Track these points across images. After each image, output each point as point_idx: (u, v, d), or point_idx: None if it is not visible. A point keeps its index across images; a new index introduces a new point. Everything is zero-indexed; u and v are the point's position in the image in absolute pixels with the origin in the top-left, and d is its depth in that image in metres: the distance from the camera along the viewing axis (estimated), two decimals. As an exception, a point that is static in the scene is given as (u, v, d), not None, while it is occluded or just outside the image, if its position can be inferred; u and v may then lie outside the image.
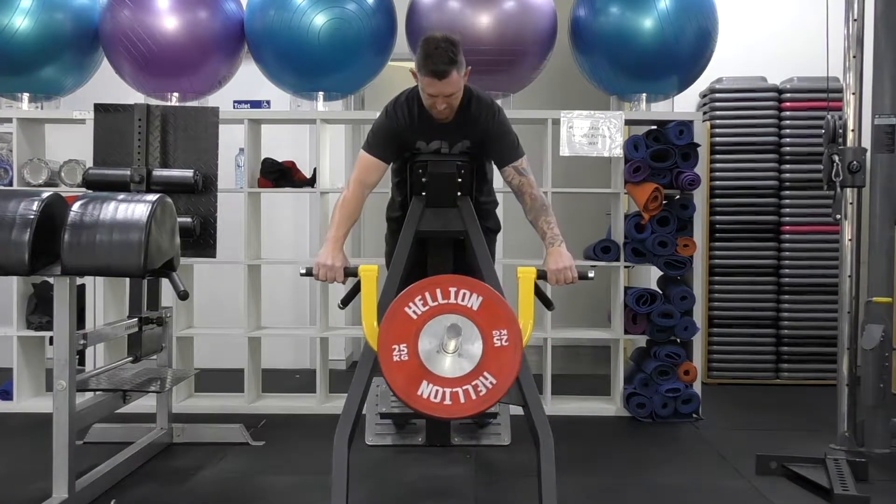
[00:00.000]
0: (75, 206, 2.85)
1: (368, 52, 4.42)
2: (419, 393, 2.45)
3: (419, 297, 2.50)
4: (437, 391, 2.46)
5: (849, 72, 3.75)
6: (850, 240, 3.79)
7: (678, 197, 4.49)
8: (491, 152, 3.15)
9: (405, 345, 2.47)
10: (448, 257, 3.14)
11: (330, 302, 4.81)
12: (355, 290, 3.00)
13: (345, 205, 3.05)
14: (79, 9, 4.46)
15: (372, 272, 2.69)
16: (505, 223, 3.75)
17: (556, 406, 4.46)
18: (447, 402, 2.45)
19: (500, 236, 3.69)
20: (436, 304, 2.50)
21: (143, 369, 3.72)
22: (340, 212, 3.04)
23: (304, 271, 2.95)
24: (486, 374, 2.47)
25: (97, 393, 3.43)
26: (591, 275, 2.92)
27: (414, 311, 2.49)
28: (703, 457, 3.76)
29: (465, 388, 2.46)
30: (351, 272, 2.90)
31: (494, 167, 3.38)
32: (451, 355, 2.46)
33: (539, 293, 2.88)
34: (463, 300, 2.51)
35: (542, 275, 2.85)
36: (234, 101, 4.96)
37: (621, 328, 4.49)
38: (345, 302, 3.08)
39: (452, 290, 2.50)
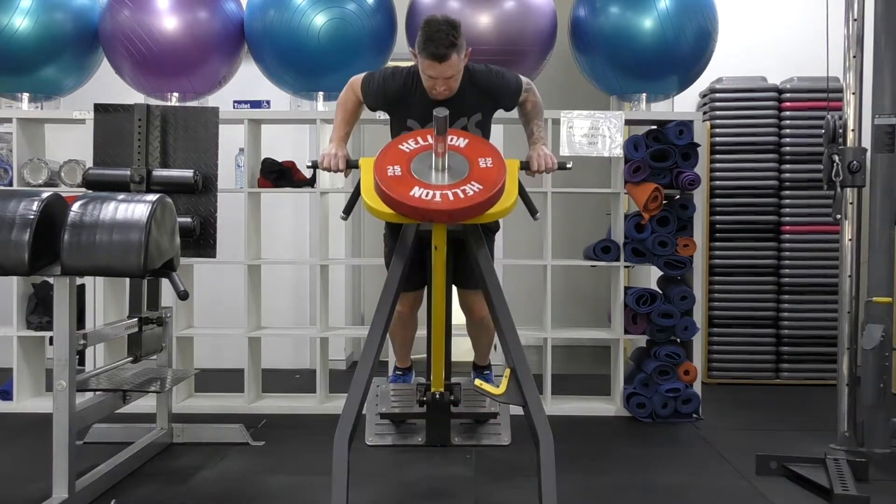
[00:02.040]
0: (75, 206, 2.84)
1: (368, 52, 4.42)
2: (412, 193, 2.68)
3: (412, 139, 2.89)
4: (428, 192, 2.70)
5: (849, 72, 3.75)
6: (850, 240, 3.79)
7: (678, 197, 4.49)
8: (502, 102, 3.34)
9: (399, 166, 2.78)
10: (447, 257, 3.14)
11: (330, 302, 4.82)
12: (355, 197, 3.10)
13: (344, 108, 3.30)
14: (79, 9, 4.46)
15: (372, 162, 2.88)
16: (504, 223, 3.75)
17: (556, 406, 4.46)
18: (437, 199, 2.68)
19: (499, 236, 3.70)
20: (427, 143, 2.84)
21: (143, 369, 3.72)
22: (342, 112, 3.29)
23: (309, 163, 3.22)
24: (472, 182, 2.75)
25: (97, 393, 3.43)
26: (569, 165, 3.19)
27: (406, 147, 2.85)
28: (703, 457, 3.76)
29: (453, 190, 2.72)
30: (353, 164, 3.10)
31: None
32: (439, 172, 2.75)
33: (523, 193, 3.01)
34: (451, 141, 2.85)
35: (524, 165, 3.12)
36: (234, 101, 4.95)
37: (621, 328, 4.49)
38: (346, 211, 3.17)
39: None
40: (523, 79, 3.36)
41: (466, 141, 2.90)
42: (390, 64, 4.64)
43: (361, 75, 3.33)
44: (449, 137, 2.78)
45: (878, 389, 3.64)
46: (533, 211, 3.19)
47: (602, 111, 4.36)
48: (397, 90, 3.19)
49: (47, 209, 2.81)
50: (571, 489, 3.18)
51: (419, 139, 2.88)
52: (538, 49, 4.44)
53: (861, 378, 3.71)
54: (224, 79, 4.61)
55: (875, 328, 3.62)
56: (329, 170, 3.11)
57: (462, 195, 2.70)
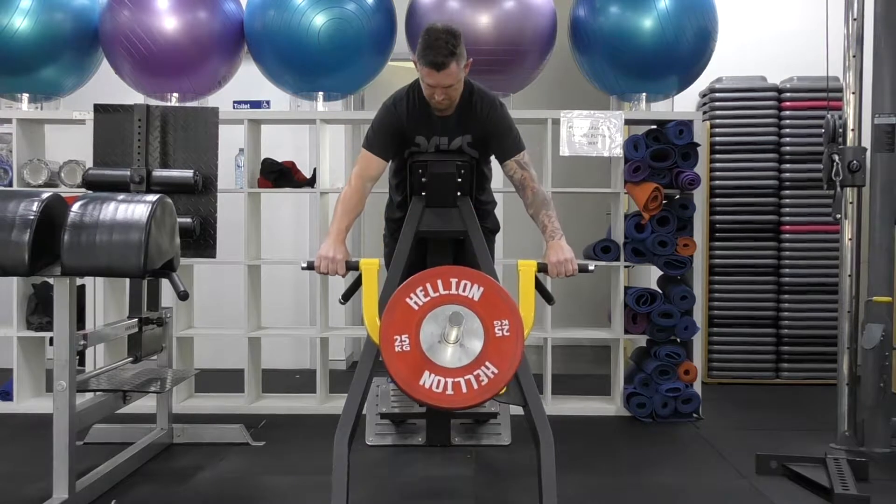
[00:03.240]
0: (75, 207, 2.85)
1: (368, 52, 4.42)
2: (421, 383, 2.47)
3: (420, 288, 2.53)
4: (438, 381, 2.47)
5: (848, 71, 3.75)
6: (850, 239, 3.79)
7: (678, 196, 4.49)
8: (492, 146, 3.16)
9: (407, 335, 2.49)
10: (448, 257, 3.14)
11: (330, 302, 4.82)
12: (356, 285, 3.01)
13: (346, 199, 3.05)
14: (78, 9, 4.46)
15: (373, 266, 2.73)
16: (504, 223, 3.75)
17: (557, 406, 4.46)
18: (449, 391, 2.47)
19: (499, 236, 3.69)
20: (437, 294, 2.53)
21: (144, 370, 3.72)
22: (342, 206, 3.04)
23: (305, 265, 2.96)
24: (487, 363, 2.48)
25: (97, 393, 3.43)
26: (591, 268, 2.94)
27: (415, 302, 2.51)
28: (704, 456, 3.76)
29: (466, 377, 2.47)
30: (352, 266, 2.91)
31: (494, 168, 3.38)
32: (452, 346, 2.47)
33: (539, 287, 2.90)
34: (464, 291, 2.53)
35: (542, 268, 2.87)
36: (234, 102, 4.96)
37: (621, 328, 4.49)
38: (345, 297, 3.10)
39: (454, 280, 2.52)
40: (522, 146, 3.13)
41: (481, 291, 2.54)
42: (390, 64, 4.67)
43: (362, 150, 3.14)
44: (462, 284, 2.53)
45: (879, 389, 3.64)
46: (549, 300, 3.15)
47: (602, 111, 4.37)
48: (407, 110, 3.07)
49: (47, 210, 2.81)
50: (571, 489, 3.18)
51: (429, 288, 2.54)
52: (538, 49, 4.44)
53: (861, 377, 3.71)
54: (224, 79, 4.61)
55: (875, 327, 3.62)
56: (327, 274, 2.95)
57: (475, 385, 2.47)
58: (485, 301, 2.53)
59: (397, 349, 2.49)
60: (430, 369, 2.47)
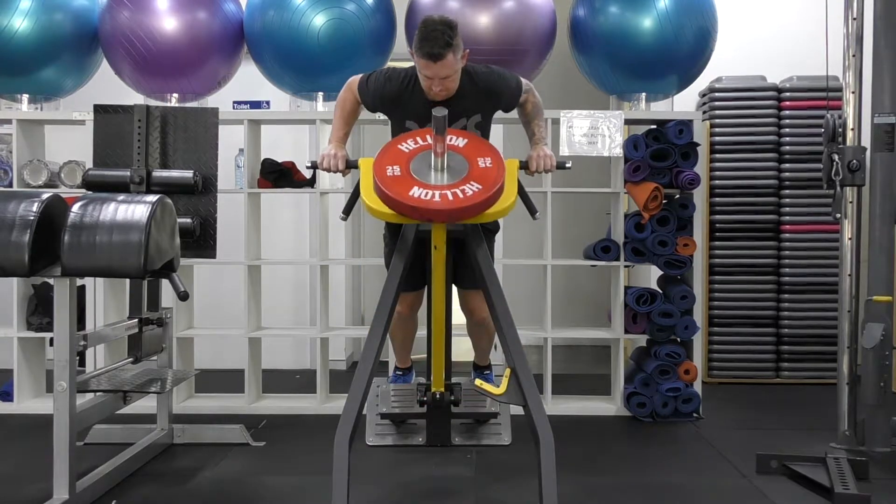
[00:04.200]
0: (75, 207, 2.85)
1: (368, 52, 4.42)
2: (411, 193, 2.67)
3: (411, 139, 2.88)
4: (426, 192, 2.70)
5: (848, 71, 3.74)
6: (849, 238, 3.78)
7: (678, 196, 4.49)
8: (502, 103, 3.32)
9: (398, 166, 2.77)
10: (448, 257, 3.14)
11: (330, 302, 4.82)
12: (355, 197, 3.10)
13: (342, 108, 3.27)
14: (78, 10, 4.46)
15: (371, 162, 2.87)
16: (504, 223, 3.75)
17: (557, 406, 4.46)
18: (436, 199, 2.67)
19: (499, 236, 3.69)
20: (426, 143, 2.84)
21: (144, 370, 3.72)
22: (340, 112, 3.26)
23: (309, 164, 3.20)
24: (471, 182, 2.74)
25: (97, 394, 3.43)
26: (568, 164, 3.18)
27: (406, 147, 2.85)
28: (704, 456, 3.77)
29: (452, 190, 2.71)
30: (352, 164, 3.09)
31: None
32: (438, 172, 2.74)
33: (522, 193, 3.01)
34: (451, 141, 2.84)
35: (524, 165, 3.10)
36: (234, 102, 4.95)
37: (621, 328, 4.49)
38: (346, 211, 3.16)
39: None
40: (523, 80, 3.35)
41: (465, 141, 2.89)
42: (389, 64, 4.66)
43: (359, 76, 3.31)
44: (448, 137, 2.78)
45: (879, 388, 3.64)
46: (532, 210, 3.18)
47: (602, 111, 4.37)
48: (395, 91, 3.19)
49: (47, 210, 2.81)
50: (572, 489, 3.18)
51: (418, 139, 2.88)
52: (537, 49, 4.44)
53: (861, 377, 3.71)
54: (224, 79, 4.61)
55: (875, 327, 3.62)
56: (328, 170, 3.10)
57: (461, 195, 2.69)
58: (469, 146, 2.88)
59: (389, 174, 2.72)
60: (419, 185, 2.72)
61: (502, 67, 3.35)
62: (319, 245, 4.61)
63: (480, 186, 2.72)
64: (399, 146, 2.85)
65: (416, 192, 2.68)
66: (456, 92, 3.12)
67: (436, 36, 2.92)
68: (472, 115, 3.20)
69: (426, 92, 3.08)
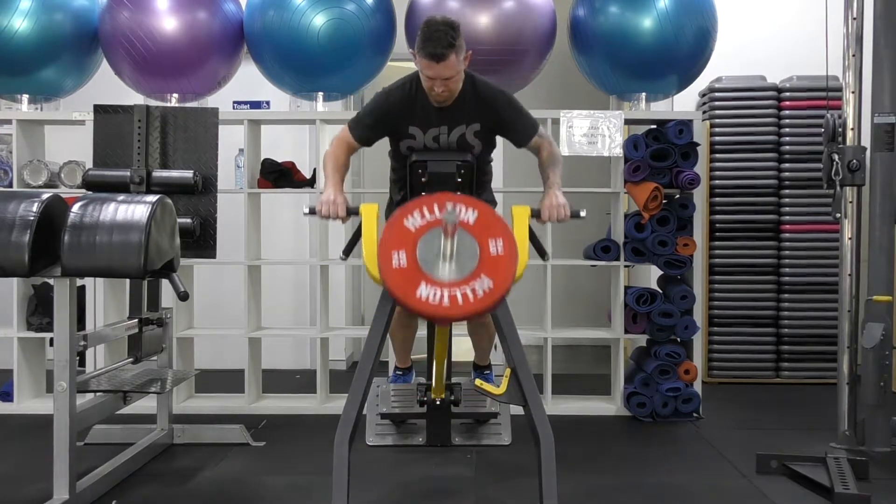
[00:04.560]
0: (75, 208, 2.85)
1: (368, 52, 4.42)
2: (418, 295, 2.51)
3: (417, 210, 2.62)
4: (435, 292, 2.51)
5: (848, 70, 3.74)
6: (849, 238, 3.78)
7: (678, 196, 4.49)
8: (507, 132, 3.24)
9: (404, 251, 2.55)
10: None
11: (330, 302, 4.82)
12: (356, 238, 3.05)
13: (335, 157, 3.16)
14: (78, 10, 4.46)
15: (372, 210, 2.80)
16: (504, 214, 3.74)
17: (557, 406, 4.46)
18: (445, 302, 2.50)
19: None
20: (433, 217, 2.61)
21: (144, 370, 3.72)
22: (332, 162, 3.14)
23: (307, 210, 3.04)
24: (482, 276, 2.54)
25: (98, 394, 3.43)
26: (582, 214, 3.00)
27: (412, 224, 2.59)
28: (704, 456, 3.76)
29: (462, 290, 2.51)
30: (353, 210, 2.98)
31: (493, 168, 3.39)
32: (448, 263, 2.54)
33: (533, 238, 2.95)
34: (460, 214, 2.60)
35: (535, 213, 2.98)
36: (234, 102, 4.96)
37: (621, 327, 4.49)
38: (346, 251, 3.13)
39: (450, 204, 2.57)
40: (540, 126, 3.25)
41: (476, 213, 2.62)
42: (389, 64, 4.67)
43: (346, 125, 3.25)
44: (457, 207, 2.58)
45: (879, 388, 3.64)
46: (542, 253, 3.17)
47: (602, 111, 4.37)
48: (400, 100, 3.12)
49: (47, 210, 2.81)
50: (572, 489, 3.18)
51: (426, 210, 2.62)
52: (537, 49, 4.44)
53: (861, 377, 3.71)
54: (223, 79, 4.61)
55: (875, 327, 3.62)
56: (328, 217, 3.00)
57: (471, 296, 2.50)
58: (480, 223, 2.61)
59: (395, 265, 2.54)
60: (427, 281, 2.52)
61: (517, 99, 3.26)
62: (319, 245, 4.61)
63: (492, 284, 2.52)
64: (405, 222, 2.60)
65: (423, 291, 2.51)
66: (458, 97, 3.10)
67: (438, 36, 2.91)
68: (471, 122, 3.16)
69: (428, 93, 3.06)
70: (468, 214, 2.63)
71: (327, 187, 3.06)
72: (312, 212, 3.01)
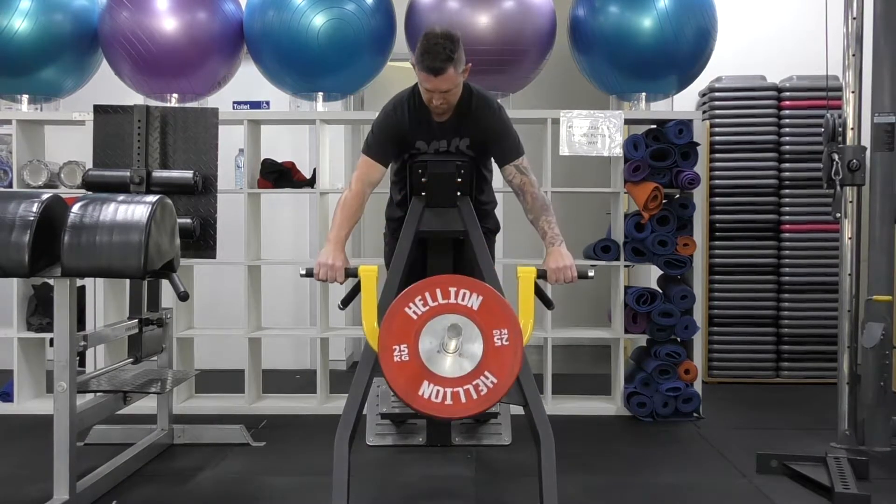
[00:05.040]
0: (75, 208, 2.85)
1: (368, 52, 4.42)
2: (420, 393, 2.46)
3: (419, 297, 2.51)
4: (438, 391, 2.46)
5: (848, 70, 3.74)
6: (849, 238, 3.79)
7: (678, 196, 4.49)
8: (491, 150, 3.15)
9: (406, 345, 2.48)
10: (448, 257, 3.14)
11: (330, 302, 4.82)
12: (355, 291, 3.00)
13: (346, 205, 3.02)
14: (78, 10, 4.46)
15: (372, 273, 2.70)
16: (504, 223, 3.75)
17: (557, 405, 4.46)
18: (448, 402, 2.46)
19: (499, 236, 3.69)
20: (436, 304, 2.51)
21: (144, 370, 3.72)
22: (342, 212, 3.02)
23: (303, 272, 2.94)
24: (486, 373, 2.47)
25: (98, 394, 3.43)
26: (590, 273, 2.92)
27: (414, 312, 2.50)
28: (704, 456, 3.76)
29: (465, 387, 2.46)
30: (351, 272, 2.89)
31: (494, 168, 3.38)
32: (451, 355, 2.46)
33: (539, 293, 2.89)
34: (463, 300, 2.51)
35: (542, 274, 2.86)
36: (234, 102, 4.96)
37: (621, 327, 4.49)
38: (345, 303, 3.08)
39: (452, 290, 2.50)
40: (522, 151, 3.12)
41: (481, 300, 2.52)
42: (389, 64, 4.67)
43: (360, 159, 3.13)
44: (461, 293, 2.52)
45: (879, 388, 3.64)
46: (548, 305, 3.15)
47: (601, 111, 4.37)
48: (406, 114, 3.07)
49: (47, 211, 2.81)
50: (572, 489, 3.18)
51: (428, 297, 2.52)
52: (537, 49, 4.44)
53: (861, 376, 3.71)
54: (223, 79, 4.61)
55: (875, 326, 3.62)
56: (325, 281, 2.93)
57: (475, 394, 2.46)
58: (484, 310, 2.51)
59: (396, 359, 2.48)
60: (430, 379, 2.46)
61: (512, 129, 3.13)
62: (319, 245, 4.59)
63: (496, 381, 2.47)
64: (406, 310, 2.50)
65: (426, 390, 2.46)
66: (456, 109, 3.07)
67: (437, 50, 2.88)
68: (464, 136, 3.14)
69: (427, 105, 3.04)
70: (472, 300, 2.53)
71: (327, 244, 2.96)
72: (309, 274, 2.92)
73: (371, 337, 2.62)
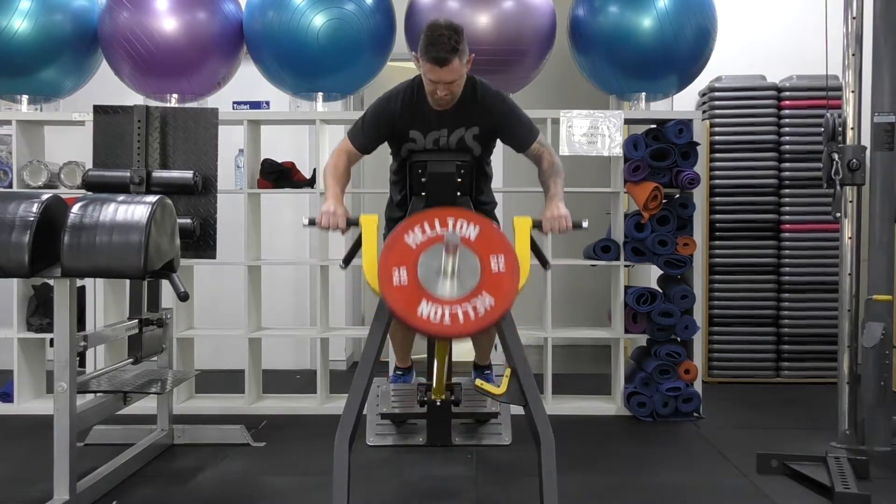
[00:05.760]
0: (75, 208, 2.85)
1: (367, 52, 4.42)
2: (419, 313, 2.50)
3: (418, 226, 2.60)
4: (436, 311, 2.50)
5: (848, 70, 3.74)
6: (849, 238, 3.78)
7: (678, 196, 4.49)
8: (507, 138, 3.23)
9: (405, 268, 2.54)
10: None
11: (330, 302, 4.82)
12: (356, 248, 3.05)
13: (334, 170, 3.15)
14: (78, 10, 4.46)
15: (372, 221, 2.79)
16: (504, 224, 3.74)
17: (557, 405, 4.46)
18: (446, 321, 2.50)
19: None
20: (434, 232, 2.59)
21: (144, 371, 3.72)
22: (332, 175, 3.14)
23: (306, 222, 3.03)
24: (484, 293, 2.52)
25: (98, 395, 3.43)
26: (584, 224, 3.00)
27: (413, 240, 2.58)
28: (704, 455, 3.76)
29: (464, 307, 2.51)
30: (353, 221, 2.97)
31: (494, 168, 3.39)
32: (449, 279, 2.52)
33: (535, 248, 2.95)
34: (461, 230, 2.59)
35: (537, 224, 2.97)
36: (234, 102, 4.96)
37: (622, 327, 4.49)
38: (346, 260, 3.13)
39: (451, 220, 2.58)
40: (540, 133, 3.24)
41: (477, 229, 2.61)
42: (389, 64, 4.67)
43: (345, 135, 3.26)
44: (458, 223, 2.59)
45: (879, 387, 3.64)
46: (544, 263, 3.17)
47: (601, 110, 4.37)
48: (401, 105, 3.11)
49: (47, 211, 2.81)
50: (572, 488, 3.18)
51: (426, 226, 2.60)
52: (537, 49, 4.44)
53: (862, 376, 3.71)
54: (223, 80, 4.61)
55: (875, 326, 3.62)
56: (328, 229, 3.00)
57: (472, 314, 2.50)
58: (481, 239, 2.59)
59: (395, 282, 2.53)
60: (428, 299, 2.51)
61: (519, 108, 3.25)
62: (319, 245, 4.61)
63: (494, 301, 2.51)
64: (405, 238, 2.59)
65: (424, 310, 2.50)
66: (459, 100, 3.09)
67: (442, 41, 2.91)
68: (470, 126, 3.16)
69: (430, 97, 3.06)
70: (469, 230, 2.60)
71: (327, 198, 3.06)
72: (312, 223, 3.01)
73: (372, 280, 2.68)
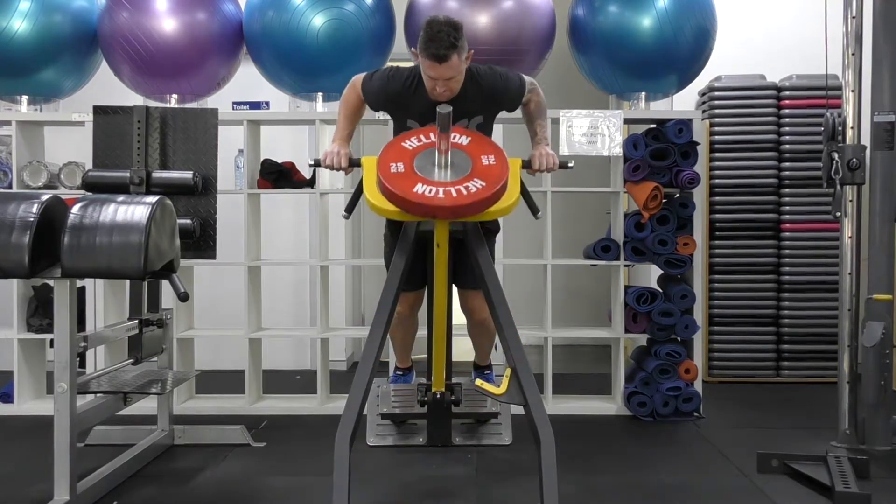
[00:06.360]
0: (75, 209, 2.85)
1: (367, 52, 4.42)
2: (415, 190, 2.69)
3: (415, 136, 2.91)
4: (431, 189, 2.72)
5: (848, 69, 3.74)
6: (850, 237, 3.79)
7: (678, 195, 4.49)
8: (505, 103, 3.34)
9: (402, 163, 2.80)
10: (448, 257, 3.14)
11: (330, 302, 4.82)
12: (357, 196, 3.12)
13: (347, 103, 3.34)
14: (77, 11, 4.46)
15: (374, 162, 2.89)
16: (504, 223, 3.75)
17: (557, 405, 4.46)
18: (440, 196, 2.70)
19: (499, 236, 3.69)
20: (429, 140, 2.87)
21: (144, 371, 3.72)
22: (344, 110, 3.33)
23: (311, 162, 3.22)
24: (475, 179, 2.76)
25: (98, 395, 3.43)
26: (570, 164, 3.21)
27: (409, 145, 2.88)
28: (705, 455, 3.76)
29: (456, 187, 2.73)
30: (355, 162, 3.11)
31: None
32: (442, 170, 2.76)
33: (524, 193, 3.05)
34: (454, 139, 2.83)
35: (526, 164, 3.14)
36: (233, 103, 4.95)
37: (622, 327, 4.49)
38: (348, 209, 3.17)
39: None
40: (527, 79, 3.36)
41: (469, 139, 2.91)
42: (391, 64, 4.66)
43: (363, 74, 3.36)
44: (452, 135, 2.79)
45: (879, 387, 3.64)
46: (534, 210, 3.19)
47: (601, 110, 4.36)
48: (398, 90, 3.21)
49: (47, 211, 2.81)
50: (572, 488, 3.18)
51: (422, 137, 2.90)
52: (537, 49, 4.43)
53: (862, 375, 3.71)
54: (223, 80, 4.61)
55: (875, 325, 3.62)
56: (331, 167, 3.13)
57: (465, 192, 2.70)
58: (473, 144, 2.89)
59: (393, 171, 2.75)
60: (423, 182, 2.74)
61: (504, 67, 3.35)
62: (319, 245, 4.61)
63: (484, 183, 2.74)
64: (403, 144, 2.88)
65: (420, 188, 2.70)
66: (458, 93, 3.12)
67: (441, 37, 2.93)
68: (473, 116, 3.21)
69: (429, 92, 3.08)
70: (462, 139, 2.89)
71: (334, 140, 3.24)
72: (317, 163, 3.19)
73: (372, 197, 2.81)
